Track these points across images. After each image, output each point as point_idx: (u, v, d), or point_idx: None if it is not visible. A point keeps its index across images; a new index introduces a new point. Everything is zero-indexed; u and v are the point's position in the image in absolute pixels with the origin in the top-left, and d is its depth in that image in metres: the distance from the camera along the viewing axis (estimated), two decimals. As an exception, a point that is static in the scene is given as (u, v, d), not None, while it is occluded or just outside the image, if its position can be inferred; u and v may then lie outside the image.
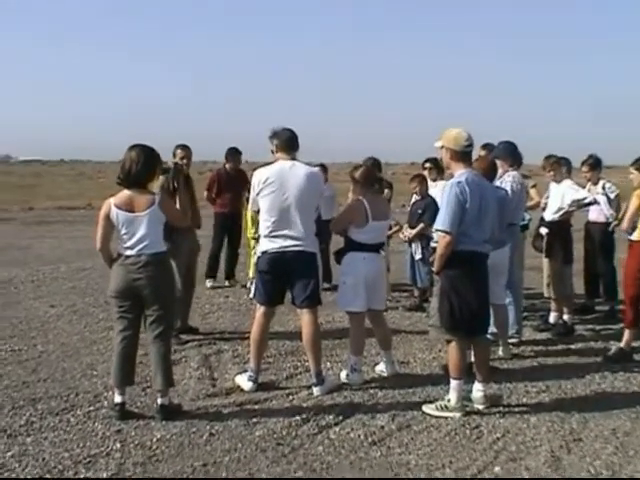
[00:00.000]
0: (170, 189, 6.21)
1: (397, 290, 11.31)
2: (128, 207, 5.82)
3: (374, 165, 10.89)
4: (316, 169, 6.95)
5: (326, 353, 7.82)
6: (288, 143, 6.71)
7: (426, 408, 6.16)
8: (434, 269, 6.10)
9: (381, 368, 7.23)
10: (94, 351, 7.86)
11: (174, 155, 8.65)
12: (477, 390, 6.29)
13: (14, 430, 5.64)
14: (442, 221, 5.91)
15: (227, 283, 12.07)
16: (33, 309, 10.02)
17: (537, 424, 5.91)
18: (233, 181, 11.84)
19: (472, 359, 6.82)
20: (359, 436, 5.66)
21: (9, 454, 5.21)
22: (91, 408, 6.14)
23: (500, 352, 7.77)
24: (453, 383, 6.13)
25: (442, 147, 6.16)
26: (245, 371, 6.87)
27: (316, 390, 6.64)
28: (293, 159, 6.68)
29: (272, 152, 6.77)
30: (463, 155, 6.10)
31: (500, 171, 8.13)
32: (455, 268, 5.99)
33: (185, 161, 8.62)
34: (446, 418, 5.98)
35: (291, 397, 6.54)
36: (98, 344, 8.18)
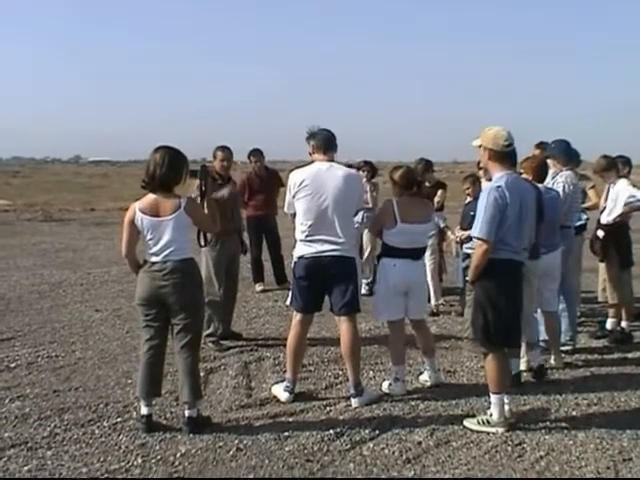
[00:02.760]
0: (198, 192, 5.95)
1: (452, 294, 10.93)
2: (153, 212, 5.60)
3: (426, 165, 10.57)
4: (354, 171, 6.64)
5: (370, 361, 7.57)
6: (325, 143, 6.43)
7: (467, 423, 5.83)
8: (469, 279, 5.72)
9: (425, 377, 6.91)
10: (132, 358, 7.66)
11: (214, 157, 8.46)
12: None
13: (36, 442, 5.47)
14: (479, 228, 5.52)
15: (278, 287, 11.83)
16: (78, 313, 9.91)
17: (585, 441, 5.52)
18: (265, 183, 11.63)
19: (521, 367, 6.53)
20: (393, 453, 5.35)
21: (26, 469, 5.03)
22: (118, 419, 5.94)
23: (552, 361, 7.37)
24: (494, 398, 5.78)
25: (480, 146, 5.78)
26: (282, 380, 6.61)
27: (354, 402, 6.35)
28: (330, 160, 6.40)
29: (309, 154, 6.51)
30: (502, 156, 5.68)
31: (553, 171, 7.74)
32: (491, 278, 5.61)
33: (226, 163, 8.42)
34: (488, 433, 5.64)
35: (328, 409, 6.26)
36: (138, 350, 7.90)
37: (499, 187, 5.51)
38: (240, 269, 12.11)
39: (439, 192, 10.35)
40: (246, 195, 11.71)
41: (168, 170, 5.55)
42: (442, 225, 9.62)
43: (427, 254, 9.67)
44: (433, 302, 9.91)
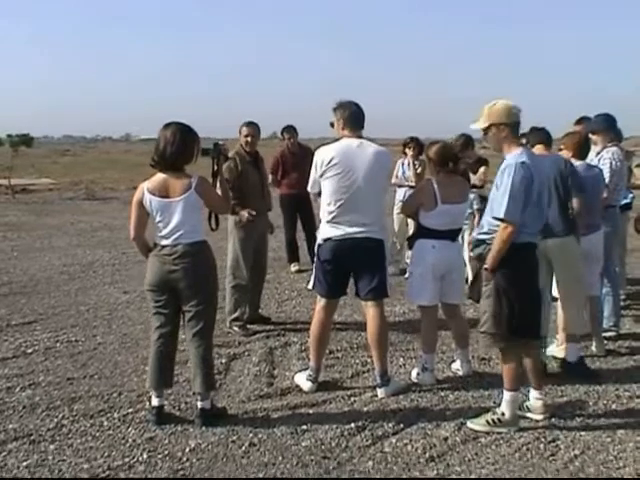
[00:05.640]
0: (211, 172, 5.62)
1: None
2: (162, 192, 5.27)
3: (465, 141, 10.13)
4: (383, 148, 6.25)
5: (401, 347, 7.23)
6: (355, 118, 6.03)
7: (473, 424, 5.35)
8: (487, 266, 5.19)
9: (457, 366, 6.54)
10: (154, 343, 7.39)
11: (240, 132, 8.13)
12: (535, 399, 5.50)
13: (40, 435, 5.19)
14: (505, 209, 4.99)
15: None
16: (105, 295, 9.68)
17: (624, 438, 5.11)
18: (298, 160, 11.12)
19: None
20: (417, 449, 4.98)
21: (24, 464, 4.75)
22: (130, 410, 5.66)
23: (593, 348, 6.95)
24: (508, 395, 5.32)
25: (488, 127, 5.25)
26: (307, 368, 6.28)
27: (380, 392, 6.00)
28: (360, 137, 6.01)
29: (331, 125, 6.11)
30: (518, 128, 5.26)
31: (598, 147, 7.29)
32: (512, 264, 5.12)
33: (251, 139, 8.09)
34: (499, 434, 5.21)
35: (352, 399, 5.91)
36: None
37: (524, 163, 5.04)
38: (276, 249, 11.90)
39: (481, 169, 9.90)
40: (279, 173, 11.39)
41: (179, 148, 5.22)
42: (475, 207, 9.17)
43: (466, 234, 9.27)
44: (472, 285, 9.52)
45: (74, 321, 8.35)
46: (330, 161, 5.86)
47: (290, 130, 11.49)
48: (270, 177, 11.54)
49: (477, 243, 5.35)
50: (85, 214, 19.38)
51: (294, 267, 11.35)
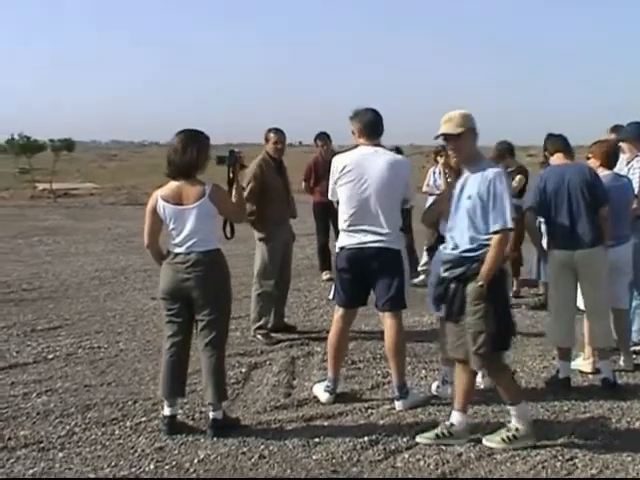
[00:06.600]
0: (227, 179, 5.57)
1: (525, 285, 10.30)
2: (176, 199, 5.24)
3: (507, 149, 10.00)
4: (400, 157, 6.15)
5: (425, 359, 7.12)
6: (371, 127, 5.99)
7: (488, 442, 5.16)
8: (483, 282, 4.94)
9: (478, 380, 6.39)
10: (176, 350, 7.35)
11: (266, 140, 8.09)
12: (459, 422, 5.29)
13: (50, 442, 5.17)
14: (510, 218, 4.91)
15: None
16: (133, 301, 9.69)
17: (646, 458, 4.93)
18: (330, 167, 11.08)
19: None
20: (429, 465, 4.85)
21: (30, 472, 4.73)
22: (143, 419, 5.61)
23: (621, 362, 6.77)
24: (516, 409, 5.19)
25: (464, 132, 5.07)
26: (325, 379, 6.18)
27: (398, 405, 5.89)
28: (376, 145, 5.95)
29: (353, 133, 6.06)
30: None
31: (628, 156, 7.13)
32: (501, 277, 5.13)
33: (279, 146, 8.07)
34: (516, 449, 5.05)
35: (369, 412, 5.80)
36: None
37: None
38: (310, 257, 11.86)
39: (517, 177, 9.74)
40: (312, 181, 11.33)
41: (188, 155, 5.19)
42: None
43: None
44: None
45: (99, 327, 8.36)
46: (344, 168, 5.85)
47: (323, 137, 11.41)
48: (303, 184, 11.51)
49: (459, 262, 5.04)
50: (124, 219, 19.51)
51: (325, 275, 11.27)
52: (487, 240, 4.95)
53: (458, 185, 5.24)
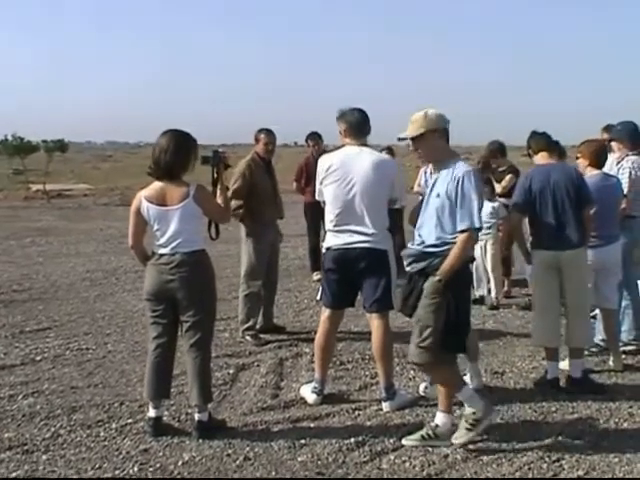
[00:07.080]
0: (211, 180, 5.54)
1: (518, 286, 10.27)
2: (160, 200, 5.21)
3: (499, 149, 10.04)
4: (387, 157, 6.14)
5: (412, 360, 7.04)
6: (357, 127, 5.96)
7: (457, 440, 5.12)
8: (442, 278, 4.91)
9: (467, 380, 6.37)
10: (164, 352, 7.33)
11: (257, 140, 8.07)
12: (443, 423, 5.24)
13: (34, 445, 5.14)
14: (477, 218, 4.92)
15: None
16: (123, 302, 9.66)
17: (632, 459, 4.89)
18: None
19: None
20: (414, 467, 4.83)
21: (14, 475, 4.69)
22: (129, 421, 5.58)
23: (610, 362, 6.75)
24: (461, 395, 5.25)
25: (422, 135, 5.03)
26: (313, 380, 6.16)
27: (385, 406, 5.86)
28: (362, 145, 5.93)
29: (340, 133, 6.04)
30: (449, 136, 5.18)
31: (617, 155, 7.11)
32: (464, 275, 5.17)
33: (270, 147, 8.06)
34: (501, 452, 5.03)
35: (356, 413, 5.78)
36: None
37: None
38: (301, 257, 11.84)
39: (507, 177, 9.75)
40: (303, 181, 11.31)
41: (174, 156, 5.16)
42: (502, 214, 8.99)
43: (489, 244, 9.14)
44: (493, 295, 9.37)
45: (88, 328, 8.34)
46: (329, 168, 5.84)
47: (314, 137, 11.40)
48: (294, 184, 11.49)
49: (421, 257, 5.03)
50: (117, 220, 19.40)
51: (316, 276, 11.22)
52: (453, 239, 4.92)
53: (429, 184, 5.23)
